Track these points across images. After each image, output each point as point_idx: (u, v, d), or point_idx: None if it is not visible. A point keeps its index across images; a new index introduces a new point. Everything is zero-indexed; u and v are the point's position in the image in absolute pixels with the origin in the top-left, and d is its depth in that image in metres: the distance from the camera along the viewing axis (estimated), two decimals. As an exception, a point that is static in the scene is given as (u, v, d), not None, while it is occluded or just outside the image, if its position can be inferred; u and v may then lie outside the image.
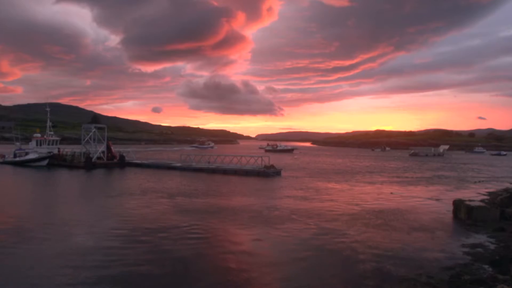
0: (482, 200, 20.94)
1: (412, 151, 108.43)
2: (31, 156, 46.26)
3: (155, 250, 12.22)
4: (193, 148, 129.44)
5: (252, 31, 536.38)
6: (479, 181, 36.09)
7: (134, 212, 18.62)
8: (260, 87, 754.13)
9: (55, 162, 46.53)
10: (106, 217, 17.45)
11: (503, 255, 11.78)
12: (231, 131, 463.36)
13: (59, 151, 49.52)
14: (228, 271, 10.54)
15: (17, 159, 46.74)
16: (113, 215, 17.87)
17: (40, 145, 48.07)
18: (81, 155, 47.30)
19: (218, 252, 12.26)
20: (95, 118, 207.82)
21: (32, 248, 12.24)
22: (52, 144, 49.15)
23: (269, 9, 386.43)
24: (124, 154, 50.16)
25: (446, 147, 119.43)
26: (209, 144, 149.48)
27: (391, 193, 26.90)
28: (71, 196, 24.58)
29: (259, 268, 10.78)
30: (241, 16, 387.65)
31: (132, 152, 55.84)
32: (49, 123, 50.25)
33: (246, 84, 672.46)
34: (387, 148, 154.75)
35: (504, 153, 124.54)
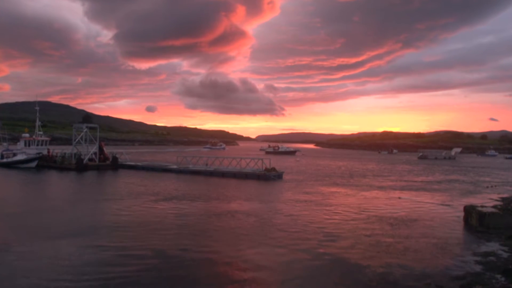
0: (494, 206, 20.91)
1: (421, 154, 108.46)
2: (19, 157, 46.30)
3: (148, 261, 12.22)
4: (207, 149, 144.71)
5: (252, 27, 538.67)
6: (492, 186, 36.08)
7: (126, 219, 18.62)
8: (260, 86, 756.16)
9: (45, 163, 46.66)
10: (98, 224, 17.47)
11: (516, 264, 11.76)
12: (230, 131, 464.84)
13: (48, 152, 49.64)
14: (228, 283, 10.53)
15: (4, 160, 46.77)
16: (105, 222, 17.89)
17: (29, 145, 48.15)
18: (72, 157, 47.34)
19: (217, 263, 12.25)
20: (87, 117, 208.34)
21: (17, 258, 12.24)
22: (41, 145, 49.24)
23: (270, 3, 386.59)
24: (117, 156, 50.24)
25: (459, 150, 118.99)
26: (220, 145, 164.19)
27: (399, 198, 26.89)
28: (60, 200, 24.56)
29: (262, 277, 10.77)
30: (240, 10, 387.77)
31: (124, 153, 55.94)
32: (38, 123, 50.38)
33: (245, 82, 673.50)
34: (395, 151, 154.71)
35: None
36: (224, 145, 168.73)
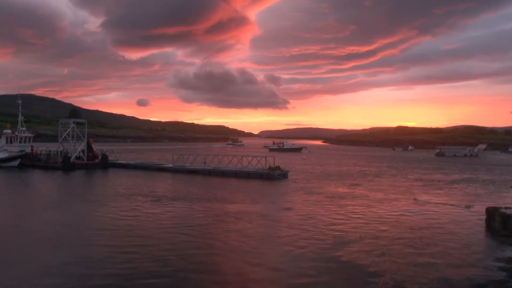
0: (520, 208, 20.84)
1: (438, 151, 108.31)
2: (0, 155, 46.43)
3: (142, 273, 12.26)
4: (230, 145, 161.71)
5: (253, 12, 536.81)
6: (517, 186, 35.98)
7: (116, 227, 18.69)
8: (262, 77, 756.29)
9: (28, 162, 46.84)
10: (83, 231, 17.52)
11: (543, 271, 11.72)
12: (230, 127, 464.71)
13: (32, 149, 49.76)
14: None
15: (-16, 158, 46.95)
16: (92, 228, 17.96)
17: (11, 142, 48.30)
18: (58, 155, 47.49)
19: (221, 273, 12.28)
20: (74, 111, 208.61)
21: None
22: (25, 142, 49.40)
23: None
24: (107, 154, 50.35)
25: (483, 146, 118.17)
26: (240, 142, 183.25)
27: (415, 199, 26.89)
28: (44, 202, 24.65)
29: (270, 284, 10.81)
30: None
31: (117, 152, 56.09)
32: (21, 118, 50.48)
33: (245, 73, 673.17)
34: (410, 147, 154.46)
35: None
36: (243, 142, 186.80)
